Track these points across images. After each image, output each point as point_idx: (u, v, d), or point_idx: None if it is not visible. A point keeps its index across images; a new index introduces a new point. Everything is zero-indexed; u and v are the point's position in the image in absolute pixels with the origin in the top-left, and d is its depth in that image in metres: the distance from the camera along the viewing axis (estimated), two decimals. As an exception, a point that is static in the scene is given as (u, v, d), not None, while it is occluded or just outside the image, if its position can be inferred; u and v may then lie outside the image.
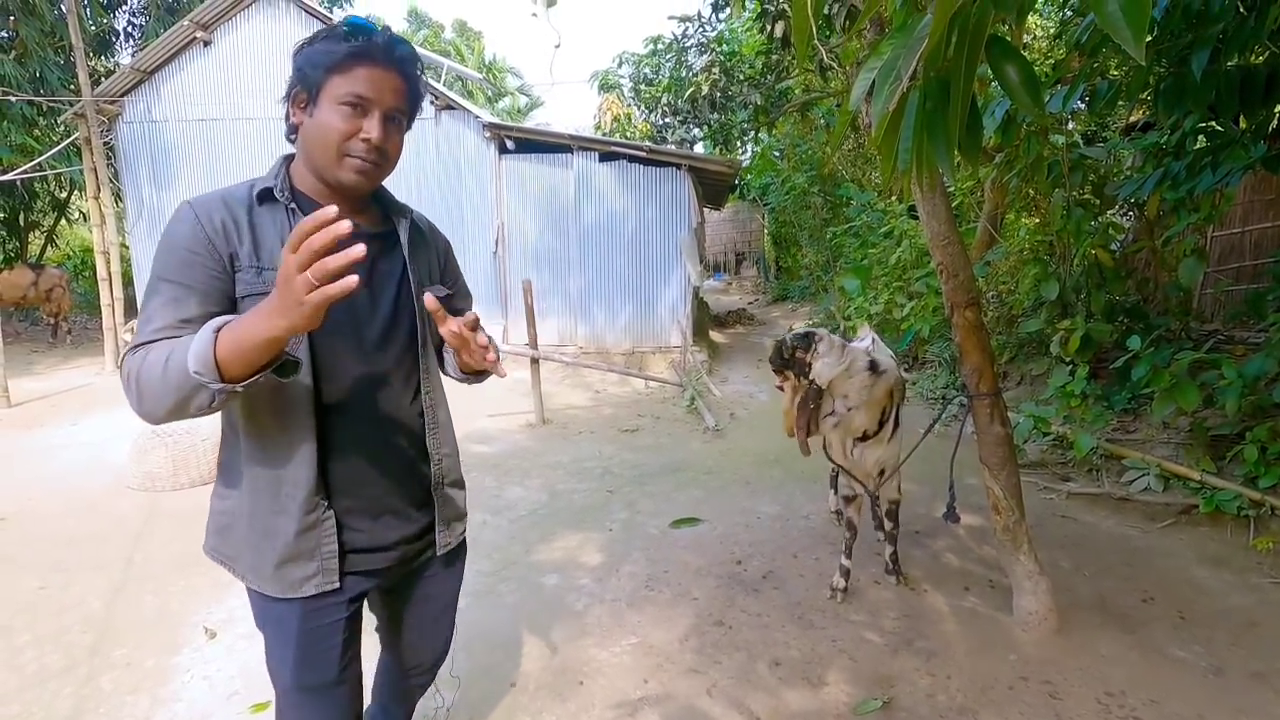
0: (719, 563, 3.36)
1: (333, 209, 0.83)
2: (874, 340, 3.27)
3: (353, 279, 0.83)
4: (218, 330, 0.93)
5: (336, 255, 0.83)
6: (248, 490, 1.20)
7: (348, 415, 1.21)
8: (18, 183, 9.83)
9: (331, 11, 11.25)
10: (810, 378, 2.69)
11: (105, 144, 8.78)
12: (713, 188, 10.18)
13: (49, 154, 9.33)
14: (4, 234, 13.41)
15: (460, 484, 1.46)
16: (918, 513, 3.84)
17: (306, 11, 8.67)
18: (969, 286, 2.61)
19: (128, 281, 9.45)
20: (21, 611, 2.95)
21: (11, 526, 3.89)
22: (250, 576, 1.23)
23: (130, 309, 9.39)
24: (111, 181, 8.97)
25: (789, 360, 2.73)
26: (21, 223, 13.65)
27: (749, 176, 14.87)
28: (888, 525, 3.09)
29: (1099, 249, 5.03)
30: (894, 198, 7.78)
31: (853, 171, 10.94)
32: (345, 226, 0.83)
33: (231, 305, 1.10)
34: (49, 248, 15.14)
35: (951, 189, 6.66)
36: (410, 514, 1.33)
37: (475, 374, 1.32)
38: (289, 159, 1.23)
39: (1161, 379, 3.80)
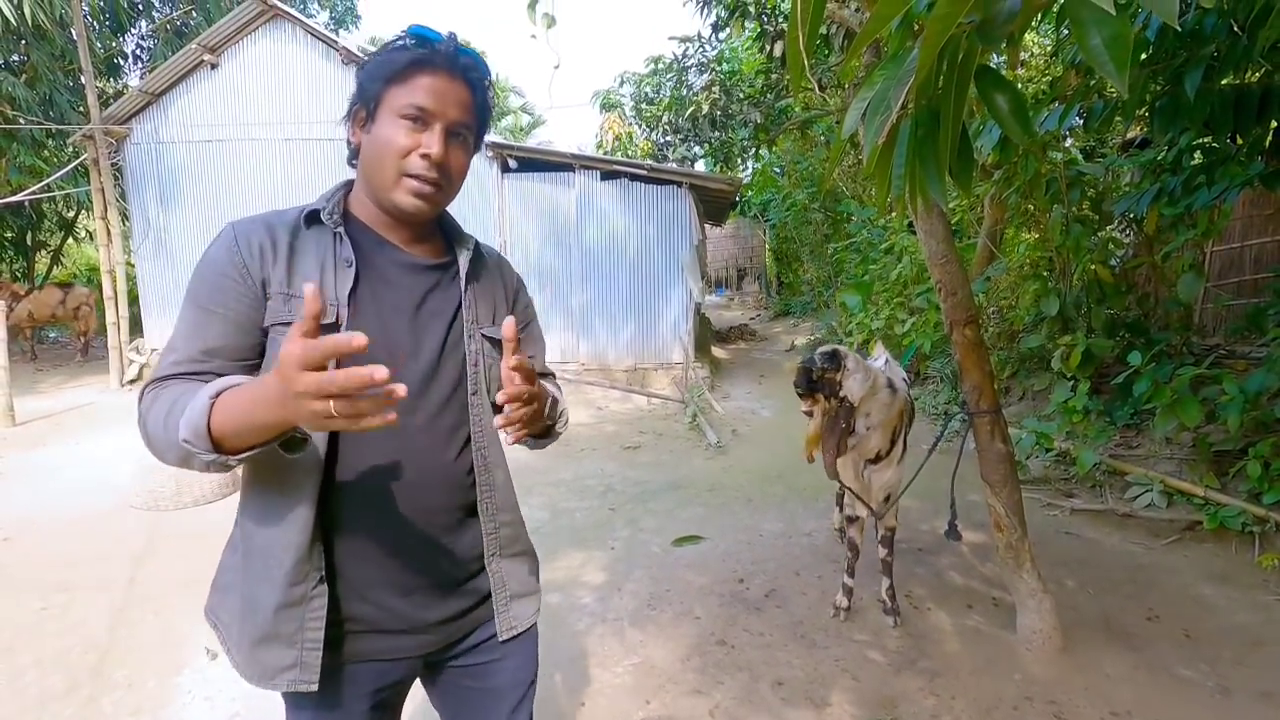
0: (721, 581, 3.35)
1: (383, 372, 0.71)
2: (887, 360, 3.29)
3: (392, 417, 0.74)
4: (215, 397, 0.83)
5: (374, 408, 0.73)
6: (245, 548, 1.05)
7: (370, 471, 1.03)
8: (26, 203, 9.93)
9: (337, 34, 11.40)
10: (842, 396, 2.63)
11: (113, 165, 8.89)
12: (714, 205, 10.25)
13: (57, 175, 9.45)
14: (12, 253, 13.55)
15: (526, 553, 1.23)
16: (920, 530, 3.83)
17: (312, 34, 8.80)
18: (968, 304, 2.63)
19: (133, 300, 9.51)
20: (23, 632, 2.95)
21: (14, 546, 3.90)
22: (233, 653, 1.05)
23: (135, 327, 9.46)
24: (118, 201, 9.07)
25: (817, 382, 2.63)
26: (29, 242, 13.79)
27: (750, 193, 14.97)
28: (881, 552, 3.01)
29: (1098, 264, 5.05)
30: (892, 214, 7.82)
31: (853, 188, 11.01)
32: (401, 391, 0.74)
33: (260, 335, 1.00)
34: (55, 266, 15.28)
35: (953, 204, 6.70)
36: (452, 589, 1.11)
37: (537, 435, 1.12)
38: (349, 184, 1.13)
39: (1163, 395, 3.80)
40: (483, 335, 1.13)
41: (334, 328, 0.98)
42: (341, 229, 1.05)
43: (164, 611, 3.11)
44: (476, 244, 1.18)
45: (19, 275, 13.35)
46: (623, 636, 2.87)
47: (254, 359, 1.00)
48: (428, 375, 1.06)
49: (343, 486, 1.01)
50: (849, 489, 2.99)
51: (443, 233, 1.17)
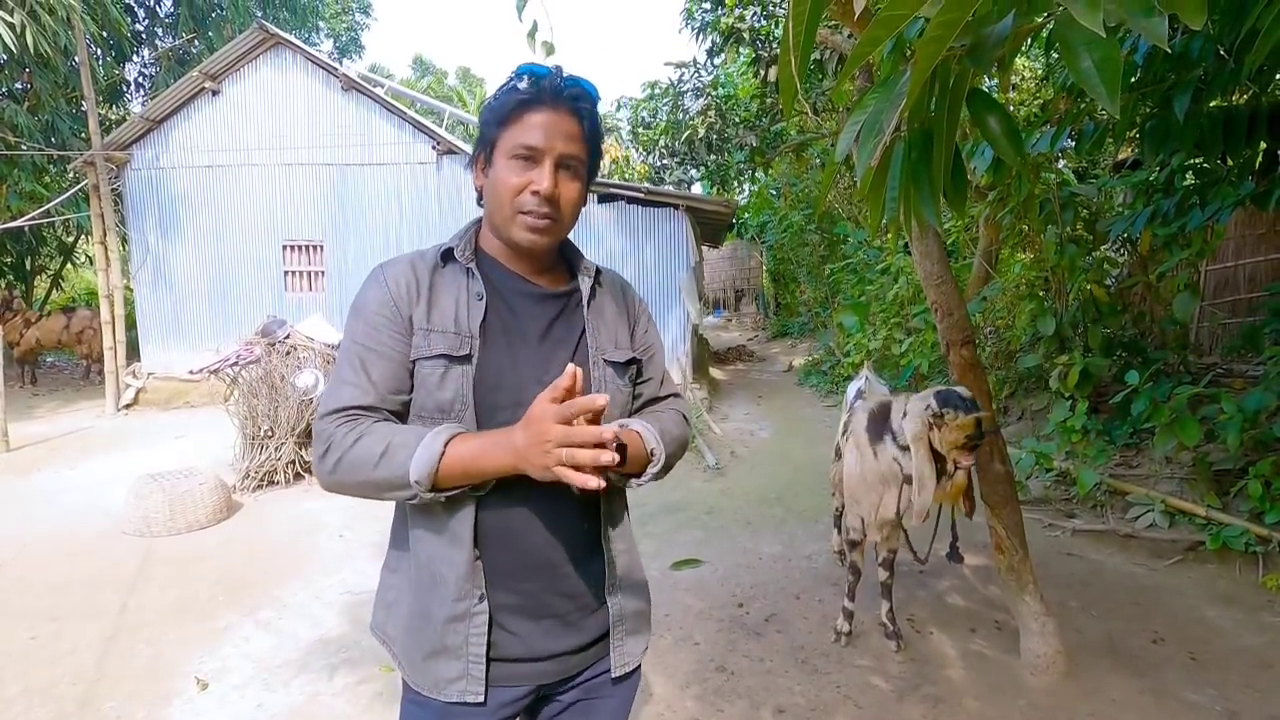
0: (720, 605, 3.31)
1: (603, 399, 0.87)
2: (868, 378, 3.28)
3: (596, 484, 0.86)
4: (446, 443, 0.96)
5: (587, 455, 0.86)
6: (412, 562, 1.10)
7: (506, 495, 1.05)
8: (25, 228, 9.97)
9: (340, 62, 11.55)
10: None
11: (113, 190, 8.94)
12: (710, 226, 10.32)
13: (57, 200, 9.50)
14: (11, 278, 13.56)
15: (642, 587, 1.23)
16: (920, 551, 3.79)
17: (313, 62, 8.91)
18: (964, 325, 2.63)
19: (130, 324, 9.51)
20: (12, 662, 2.89)
21: (5, 572, 3.84)
22: (404, 664, 1.10)
23: (132, 352, 9.44)
24: (117, 226, 9.10)
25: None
26: (28, 267, 13.81)
27: (746, 215, 15.09)
28: (882, 575, 2.97)
29: (1093, 284, 5.07)
30: (887, 235, 7.88)
31: (848, 209, 11.10)
32: (600, 401, 0.87)
33: (411, 368, 1.06)
34: (54, 291, 15.28)
35: (947, 225, 6.75)
36: (578, 620, 1.13)
37: (628, 474, 1.10)
38: (479, 221, 1.18)
39: (1162, 414, 3.79)
40: (605, 361, 1.15)
41: (468, 358, 1.05)
42: (473, 264, 1.11)
43: (155, 641, 3.06)
44: (598, 270, 1.21)
45: (11, 301, 13.34)
46: (621, 663, 2.82)
47: (409, 393, 1.07)
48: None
49: (490, 511, 1.06)
50: (878, 526, 2.85)
51: (566, 260, 1.21)
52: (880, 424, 2.69)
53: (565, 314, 1.15)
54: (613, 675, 1.17)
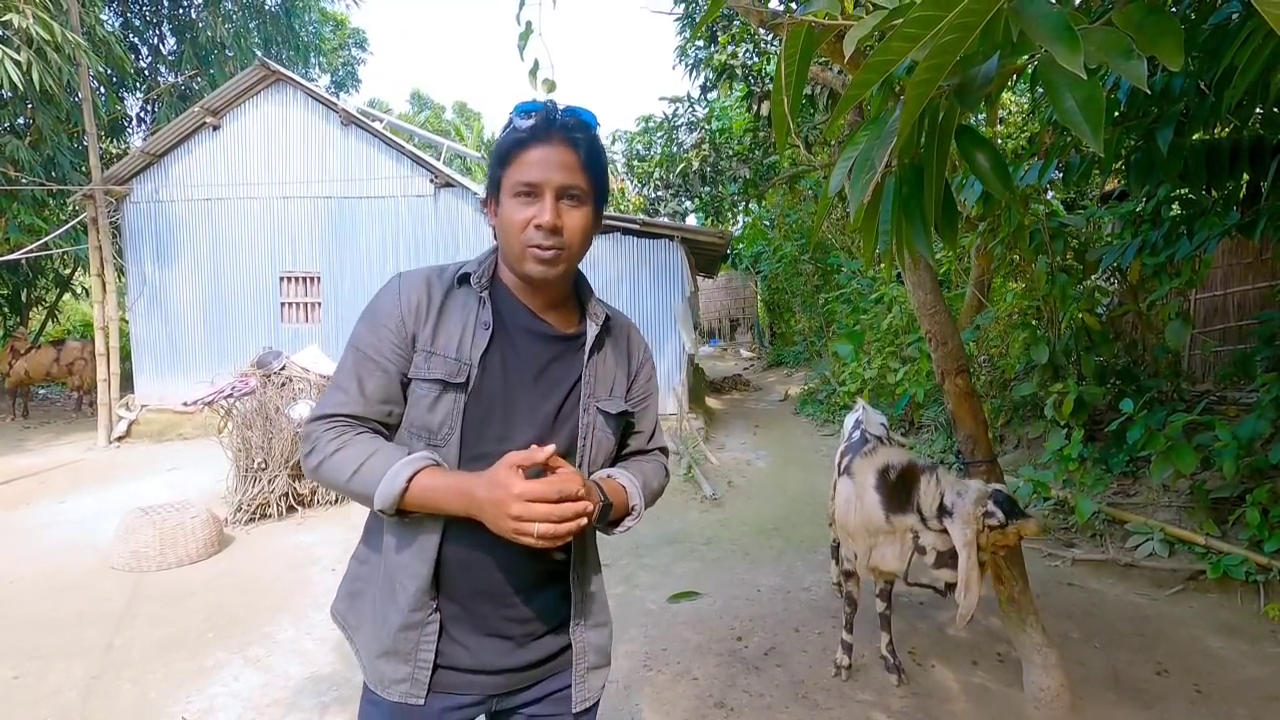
0: (719, 639, 3.26)
1: (548, 450, 0.98)
2: (864, 407, 3.29)
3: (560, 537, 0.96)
4: (410, 478, 1.01)
5: (544, 529, 0.94)
6: (382, 564, 1.14)
7: (471, 525, 1.06)
8: (23, 260, 9.99)
9: (338, 97, 11.74)
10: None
11: (111, 223, 8.99)
12: (705, 257, 10.41)
13: (56, 233, 9.54)
14: (6, 310, 13.55)
15: (606, 625, 1.27)
16: (921, 582, 3.75)
17: (313, 97, 9.06)
18: (958, 354, 2.65)
19: (125, 356, 9.48)
20: (-7, 703, 2.83)
21: (-10, 611, 3.77)
22: (362, 654, 1.16)
23: (126, 383, 9.39)
24: (115, 258, 9.14)
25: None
26: (24, 299, 13.81)
27: (741, 245, 15.22)
28: (880, 606, 2.92)
29: (1085, 313, 5.12)
30: (880, 266, 7.96)
31: (841, 239, 11.23)
32: (564, 507, 0.96)
33: (403, 389, 1.10)
34: (50, 322, 15.26)
35: (939, 256, 6.82)
36: (528, 644, 1.17)
37: (609, 522, 1.15)
38: (498, 248, 1.19)
39: (1157, 441, 3.80)
40: (598, 408, 1.18)
41: (464, 386, 1.09)
42: (487, 292, 1.14)
43: (141, 679, 2.99)
44: (608, 317, 1.23)
45: (12, 330, 13.31)
46: (619, 700, 2.77)
47: (401, 405, 1.11)
48: (537, 440, 1.08)
49: (455, 535, 1.10)
50: (874, 571, 2.79)
51: (579, 299, 1.23)
52: (902, 494, 2.52)
53: (566, 356, 1.17)
54: (574, 709, 1.20)
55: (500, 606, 1.13)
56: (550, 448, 0.99)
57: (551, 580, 1.18)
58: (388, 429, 1.13)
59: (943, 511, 2.34)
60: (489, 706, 1.19)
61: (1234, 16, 2.12)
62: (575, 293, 1.23)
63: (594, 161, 1.10)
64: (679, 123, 11.51)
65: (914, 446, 6.88)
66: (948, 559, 2.38)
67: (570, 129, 1.08)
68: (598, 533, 1.22)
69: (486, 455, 1.06)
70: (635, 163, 14.18)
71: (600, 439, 1.18)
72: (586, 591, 1.21)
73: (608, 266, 8.73)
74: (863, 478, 2.69)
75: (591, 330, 1.19)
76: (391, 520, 1.09)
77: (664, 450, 1.35)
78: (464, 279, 1.14)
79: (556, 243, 1.07)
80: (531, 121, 1.07)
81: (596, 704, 1.25)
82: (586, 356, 1.17)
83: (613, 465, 1.23)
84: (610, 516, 1.12)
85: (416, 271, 1.14)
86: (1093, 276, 5.64)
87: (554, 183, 1.06)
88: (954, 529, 2.28)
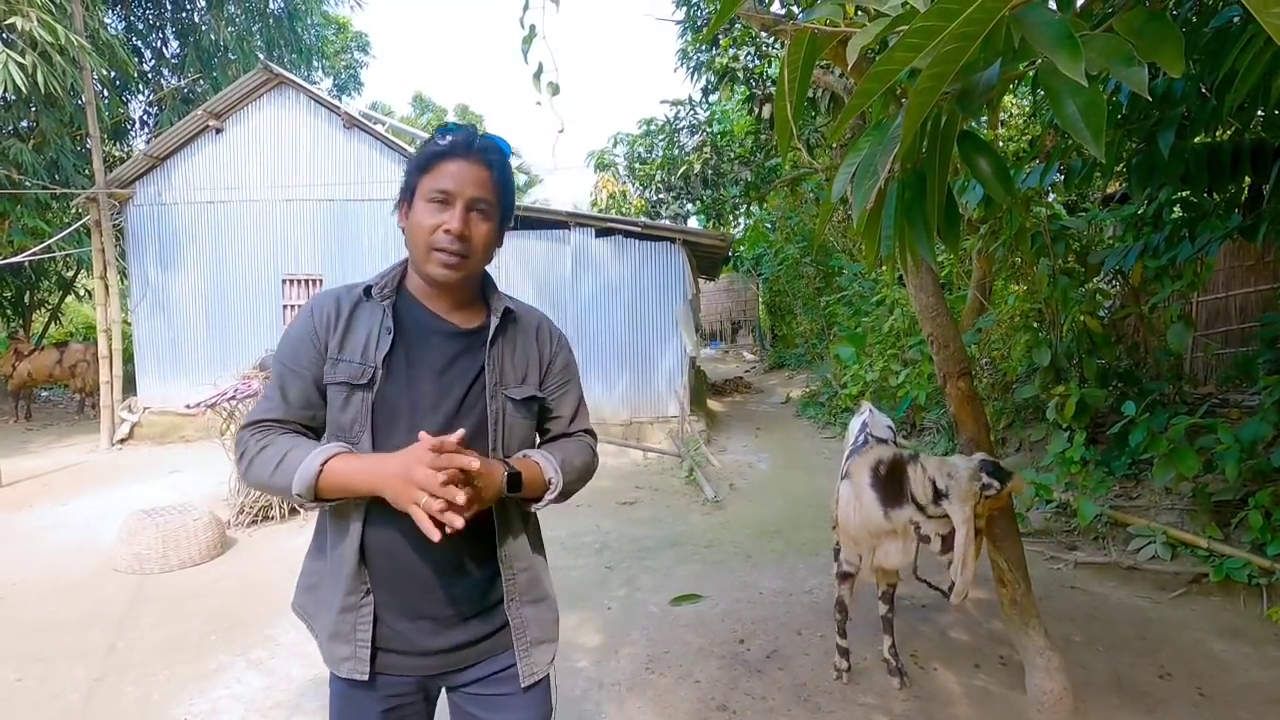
0: (721, 642, 3.26)
1: (454, 437, 1.08)
2: (871, 410, 3.28)
3: (459, 522, 1.05)
4: (324, 463, 1.10)
5: (438, 505, 1.03)
6: (328, 556, 1.25)
7: (388, 511, 1.14)
8: (26, 263, 10.01)
9: (340, 100, 11.76)
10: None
11: (114, 226, 9.01)
12: (707, 260, 10.42)
13: (59, 236, 9.56)
14: (10, 312, 13.56)
15: (546, 600, 1.33)
16: (922, 585, 3.75)
17: (316, 101, 9.08)
18: (960, 357, 2.65)
19: (128, 358, 9.50)
20: (-3, 706, 2.83)
21: (-7, 613, 3.78)
22: (319, 638, 1.26)
23: (129, 386, 9.41)
24: (118, 261, 9.16)
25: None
26: (28, 301, 13.83)
27: (742, 248, 15.24)
28: (882, 609, 2.91)
29: (1087, 315, 5.12)
30: (882, 269, 7.96)
31: (843, 242, 11.22)
32: (473, 464, 1.06)
33: (322, 395, 1.21)
34: (53, 325, 15.29)
35: (941, 259, 6.83)
36: (456, 624, 1.23)
37: (524, 499, 1.23)
38: (407, 261, 1.29)
39: (1160, 444, 3.80)
40: (505, 396, 1.25)
41: (370, 385, 1.19)
42: (389, 302, 1.23)
43: (144, 682, 3.00)
44: (506, 310, 1.30)
45: (16, 332, 13.35)
46: (621, 703, 2.77)
47: (323, 409, 1.22)
48: (444, 428, 1.16)
49: (378, 521, 1.19)
50: (878, 571, 2.79)
51: (485, 298, 1.31)
52: (894, 488, 2.53)
53: (470, 350, 1.25)
54: (522, 684, 1.26)
55: (426, 590, 1.20)
56: (460, 431, 1.09)
57: (478, 562, 1.24)
58: (313, 432, 1.24)
59: (939, 495, 2.35)
60: (431, 687, 1.28)
61: (1235, 20, 2.12)
62: (481, 293, 1.31)
63: (504, 181, 1.22)
64: (680, 125, 11.53)
65: (917, 449, 6.87)
66: (952, 541, 2.38)
67: (487, 150, 1.19)
68: (533, 513, 1.29)
69: (398, 448, 1.14)
70: (637, 165, 14.20)
71: (512, 424, 1.26)
72: (519, 573, 1.27)
73: (609, 269, 8.74)
74: (859, 477, 2.71)
75: (492, 323, 1.26)
76: (332, 511, 1.20)
77: (590, 433, 1.42)
78: (369, 292, 1.24)
79: (462, 249, 1.17)
80: (453, 139, 1.18)
81: (546, 678, 1.30)
82: (489, 348, 1.25)
83: (532, 449, 1.30)
84: (526, 492, 1.20)
85: (328, 290, 1.26)
86: (1094, 279, 5.64)
87: (467, 194, 1.16)
88: (953, 510, 2.30)
